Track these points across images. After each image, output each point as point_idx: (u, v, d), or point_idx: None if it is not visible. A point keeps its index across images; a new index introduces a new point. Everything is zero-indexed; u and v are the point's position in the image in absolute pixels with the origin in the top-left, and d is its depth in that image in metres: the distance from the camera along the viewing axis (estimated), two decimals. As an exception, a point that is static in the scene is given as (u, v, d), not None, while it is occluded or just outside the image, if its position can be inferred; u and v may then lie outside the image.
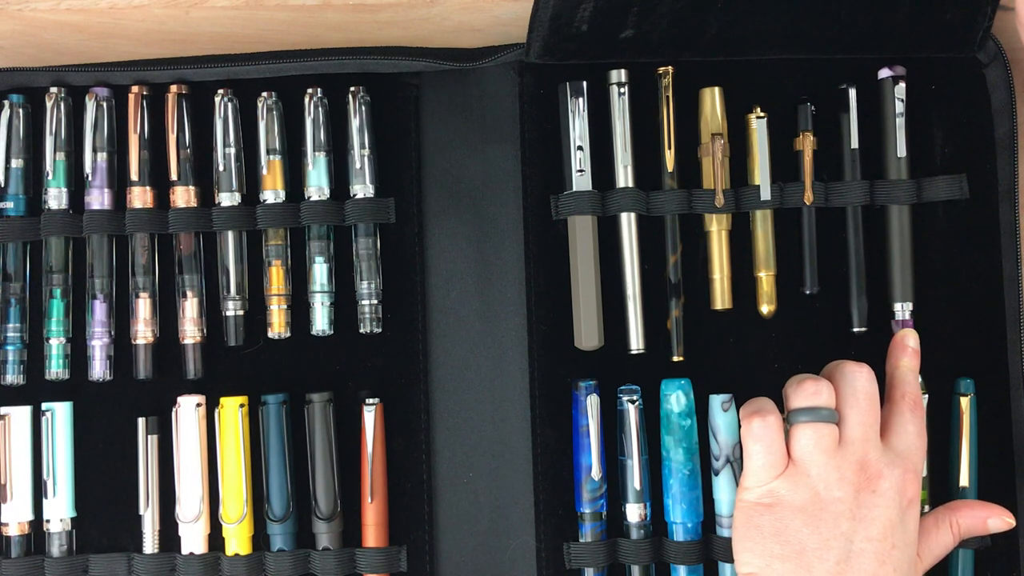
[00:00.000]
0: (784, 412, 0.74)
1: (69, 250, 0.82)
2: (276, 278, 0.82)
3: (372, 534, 0.81)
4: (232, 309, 0.82)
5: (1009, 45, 0.82)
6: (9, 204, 0.82)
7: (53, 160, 0.82)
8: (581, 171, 0.82)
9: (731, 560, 0.76)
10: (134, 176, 0.82)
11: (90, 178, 0.82)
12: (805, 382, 0.74)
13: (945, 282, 0.82)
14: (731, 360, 0.82)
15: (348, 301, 0.83)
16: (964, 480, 0.80)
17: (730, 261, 0.82)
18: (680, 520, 0.80)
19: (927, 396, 0.80)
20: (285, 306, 0.82)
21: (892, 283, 0.82)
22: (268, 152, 0.82)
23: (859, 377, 0.74)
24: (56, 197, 0.82)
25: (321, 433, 0.81)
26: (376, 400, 0.82)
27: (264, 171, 0.82)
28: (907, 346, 0.78)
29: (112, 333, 0.82)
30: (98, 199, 0.82)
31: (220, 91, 0.82)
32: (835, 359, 0.77)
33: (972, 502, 0.78)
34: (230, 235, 0.82)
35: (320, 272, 0.82)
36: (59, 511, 0.81)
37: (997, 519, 0.77)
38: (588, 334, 0.81)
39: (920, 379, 0.78)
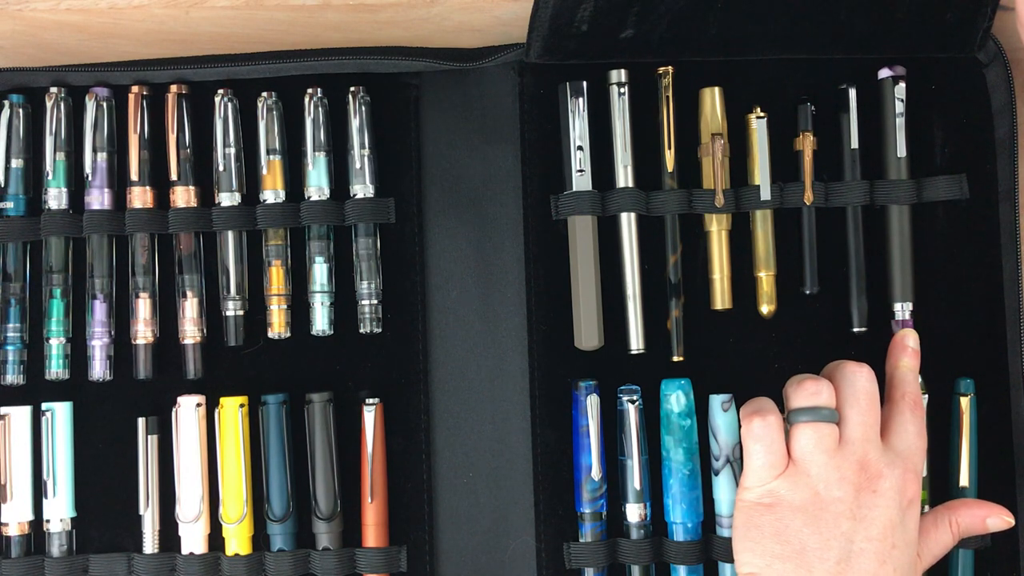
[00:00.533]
0: (784, 412, 0.74)
1: (69, 250, 0.82)
2: (276, 278, 0.82)
3: (372, 534, 0.81)
4: (232, 309, 0.82)
5: (1009, 45, 0.82)
6: (9, 204, 0.82)
7: (53, 160, 0.82)
8: (581, 171, 0.82)
9: (731, 560, 0.76)
10: (134, 176, 0.82)
11: (90, 178, 0.82)
12: (805, 382, 0.74)
13: (945, 282, 0.82)
14: (731, 360, 0.82)
15: (348, 301, 0.83)
16: (964, 480, 0.80)
17: (730, 261, 0.82)
18: (680, 520, 0.80)
19: (927, 396, 0.80)
20: (285, 306, 0.82)
21: (892, 283, 0.82)
22: (268, 152, 0.82)
23: (859, 377, 0.74)
24: (56, 197, 0.82)
25: (321, 433, 0.81)
26: (376, 400, 0.82)
27: (264, 171, 0.82)
28: (907, 346, 0.78)
29: (112, 333, 0.82)
30: (98, 199, 0.82)
31: (220, 91, 0.82)
32: (835, 359, 0.77)
33: (971, 501, 0.78)
34: (230, 235, 0.82)
35: (320, 272, 0.82)
36: (59, 511, 0.81)
37: (996, 518, 0.77)
38: (588, 334, 0.81)
39: (920, 379, 0.78)
